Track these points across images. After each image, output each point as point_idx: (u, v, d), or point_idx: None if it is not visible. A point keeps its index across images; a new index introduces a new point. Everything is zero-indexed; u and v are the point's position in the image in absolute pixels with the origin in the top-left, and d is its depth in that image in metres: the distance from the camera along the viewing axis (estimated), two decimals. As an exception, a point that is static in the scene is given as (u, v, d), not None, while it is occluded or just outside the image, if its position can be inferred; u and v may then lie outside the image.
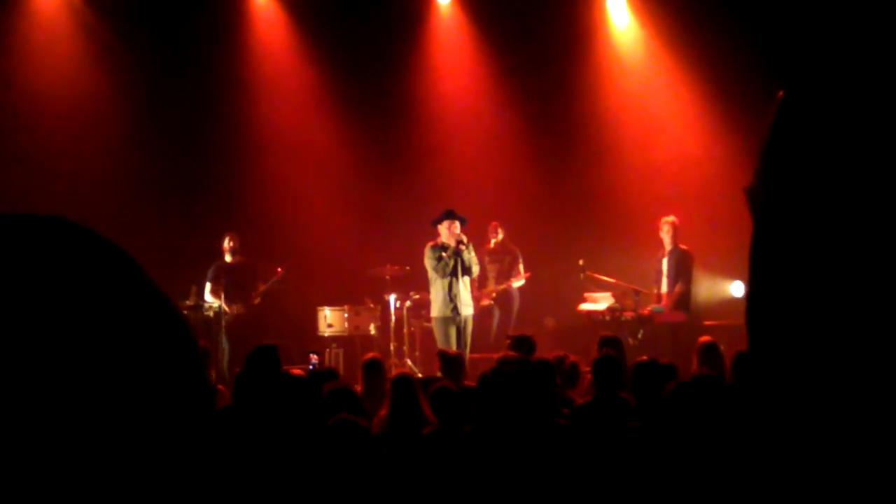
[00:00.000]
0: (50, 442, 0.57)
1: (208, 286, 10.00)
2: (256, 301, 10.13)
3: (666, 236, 9.88)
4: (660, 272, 9.94)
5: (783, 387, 0.70)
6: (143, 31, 11.04)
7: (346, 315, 10.25)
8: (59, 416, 0.58)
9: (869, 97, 0.68)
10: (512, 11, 11.59)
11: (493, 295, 10.51)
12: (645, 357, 5.41)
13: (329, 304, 10.33)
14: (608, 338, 6.91)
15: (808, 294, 0.69)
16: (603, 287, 10.01)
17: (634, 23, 11.99)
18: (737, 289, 10.99)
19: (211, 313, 9.91)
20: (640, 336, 9.44)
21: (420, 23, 12.11)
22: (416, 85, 11.99)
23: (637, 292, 9.79)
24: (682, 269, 9.78)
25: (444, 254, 8.94)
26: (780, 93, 0.73)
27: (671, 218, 9.91)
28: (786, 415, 0.70)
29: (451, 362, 6.51)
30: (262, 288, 10.17)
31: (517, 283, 10.57)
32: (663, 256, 9.91)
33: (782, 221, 0.70)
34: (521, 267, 10.62)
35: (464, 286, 9.01)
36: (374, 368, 6.28)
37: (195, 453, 0.65)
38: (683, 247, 9.88)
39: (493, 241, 10.63)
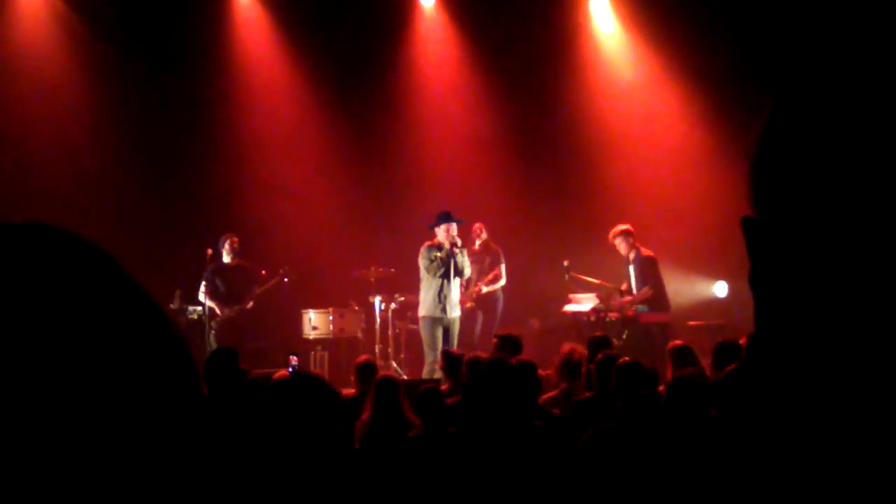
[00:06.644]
0: (45, 443, 0.60)
1: (203, 286, 9.87)
2: (249, 305, 10.04)
3: (621, 246, 9.75)
4: (629, 279, 9.88)
5: (791, 416, 0.70)
6: (129, 35, 11.01)
7: (330, 317, 10.22)
8: (56, 415, 0.61)
9: (860, 109, 0.68)
10: (496, 14, 11.60)
11: (474, 296, 10.37)
12: (627, 358, 5.45)
13: (314, 307, 10.28)
14: (599, 338, 6.95)
15: (814, 317, 0.68)
16: (587, 288, 10.01)
17: (619, 27, 12.03)
18: (720, 289, 11.04)
19: (195, 316, 9.85)
20: (624, 337, 9.45)
21: (404, 25, 12.11)
22: (400, 87, 11.99)
23: (622, 293, 9.79)
24: (647, 274, 9.68)
25: (438, 254, 8.98)
26: (769, 104, 0.72)
27: (621, 227, 9.75)
28: (790, 436, 0.70)
29: (452, 361, 6.54)
30: (259, 290, 10.09)
31: (488, 287, 10.21)
32: (629, 264, 9.85)
33: (780, 244, 0.69)
34: (502, 268, 10.35)
35: (454, 288, 9.06)
36: (368, 372, 6.29)
37: (188, 450, 0.67)
38: (645, 252, 9.72)
39: (477, 241, 10.52)
